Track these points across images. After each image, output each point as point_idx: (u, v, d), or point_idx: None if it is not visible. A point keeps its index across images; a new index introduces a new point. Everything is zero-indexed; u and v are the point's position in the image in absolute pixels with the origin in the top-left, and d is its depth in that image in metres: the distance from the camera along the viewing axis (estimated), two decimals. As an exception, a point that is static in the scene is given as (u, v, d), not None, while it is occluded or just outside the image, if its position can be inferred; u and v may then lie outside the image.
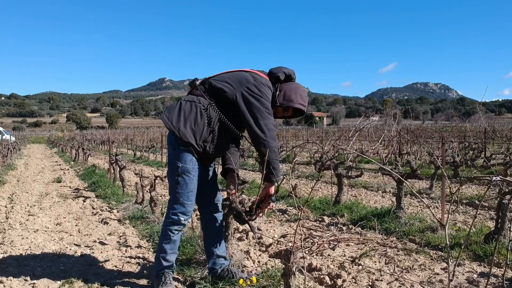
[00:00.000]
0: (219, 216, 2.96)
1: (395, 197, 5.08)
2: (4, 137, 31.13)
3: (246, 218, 2.77)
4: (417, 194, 1.60)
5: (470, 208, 5.72)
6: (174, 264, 2.89)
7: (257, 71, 2.81)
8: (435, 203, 6.14)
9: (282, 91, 2.78)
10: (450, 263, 1.38)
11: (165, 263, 2.79)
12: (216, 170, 3.12)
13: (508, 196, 3.65)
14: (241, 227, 4.69)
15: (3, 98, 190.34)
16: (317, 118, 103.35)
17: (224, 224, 3.10)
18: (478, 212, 5.44)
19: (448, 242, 1.50)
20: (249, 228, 3.00)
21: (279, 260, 3.34)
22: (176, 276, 3.14)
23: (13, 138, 32.53)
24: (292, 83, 2.84)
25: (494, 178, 1.42)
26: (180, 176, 2.69)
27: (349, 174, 5.89)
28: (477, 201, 5.99)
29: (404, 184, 6.31)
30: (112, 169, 8.70)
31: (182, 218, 2.74)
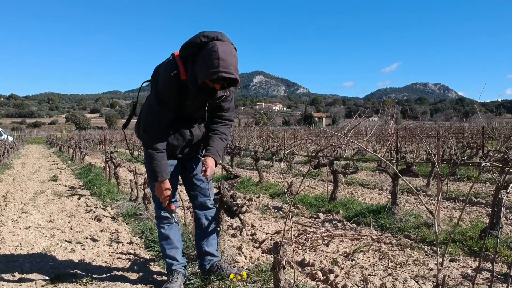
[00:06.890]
0: (209, 213, 2.89)
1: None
2: (2, 137, 31.00)
3: (237, 212, 2.73)
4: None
5: (468, 205, 5.68)
6: (181, 260, 2.84)
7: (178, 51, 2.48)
8: (431, 200, 6.10)
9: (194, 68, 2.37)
10: (438, 254, 1.33)
11: (169, 261, 2.81)
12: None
13: (504, 191, 3.61)
14: (235, 224, 4.64)
15: (2, 99, 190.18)
16: (316, 118, 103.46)
17: (215, 219, 3.04)
18: (475, 209, 5.39)
19: (437, 231, 1.46)
20: (240, 222, 2.94)
21: (271, 255, 3.29)
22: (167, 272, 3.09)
23: (11, 138, 32.40)
24: (202, 53, 2.29)
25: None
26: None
27: (345, 170, 5.84)
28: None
29: (400, 181, 6.27)
30: (107, 167, 8.65)
31: (160, 212, 2.79)
